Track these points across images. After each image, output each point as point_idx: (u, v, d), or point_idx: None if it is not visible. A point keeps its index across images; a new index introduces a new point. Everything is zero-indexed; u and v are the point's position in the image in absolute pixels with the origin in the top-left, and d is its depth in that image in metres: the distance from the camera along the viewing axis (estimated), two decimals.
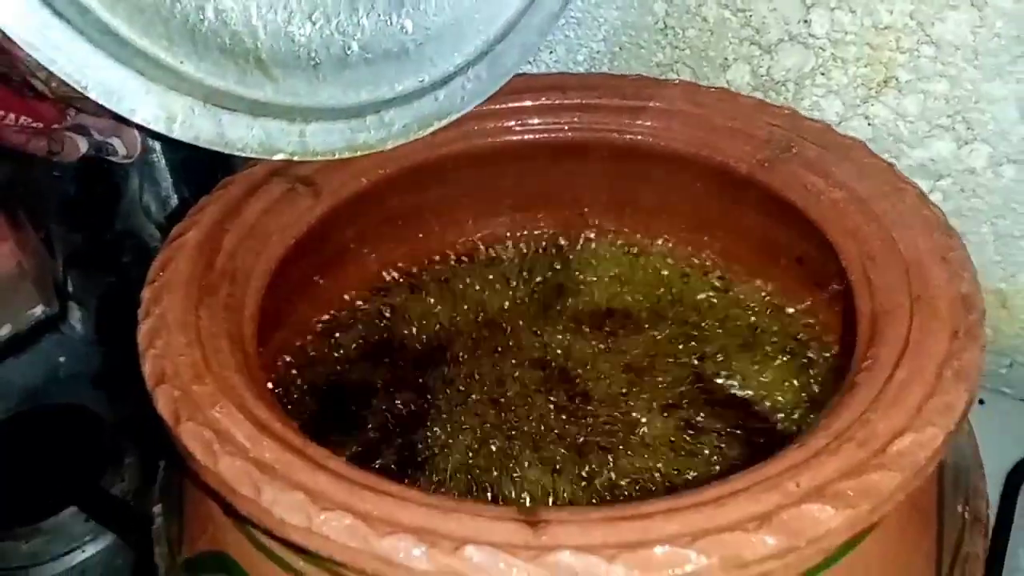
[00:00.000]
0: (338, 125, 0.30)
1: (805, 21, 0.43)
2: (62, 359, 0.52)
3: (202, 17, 0.26)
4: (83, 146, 0.34)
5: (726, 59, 0.47)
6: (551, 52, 0.52)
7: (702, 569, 0.17)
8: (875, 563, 0.22)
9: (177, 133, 0.27)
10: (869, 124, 0.45)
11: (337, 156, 0.30)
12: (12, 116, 0.29)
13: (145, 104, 0.26)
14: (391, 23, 0.30)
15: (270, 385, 0.26)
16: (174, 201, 0.49)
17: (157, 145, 0.45)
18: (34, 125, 0.31)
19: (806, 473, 0.19)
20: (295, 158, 0.30)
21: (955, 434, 0.20)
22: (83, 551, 0.42)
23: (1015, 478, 0.41)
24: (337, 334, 0.34)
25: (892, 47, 0.42)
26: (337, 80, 0.29)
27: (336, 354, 0.33)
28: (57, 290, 0.52)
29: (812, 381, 0.30)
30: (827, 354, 0.31)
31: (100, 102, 0.25)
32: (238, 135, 0.28)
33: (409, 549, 0.18)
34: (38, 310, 0.54)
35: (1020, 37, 0.39)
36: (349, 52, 0.29)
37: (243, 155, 0.29)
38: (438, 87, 0.32)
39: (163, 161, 0.46)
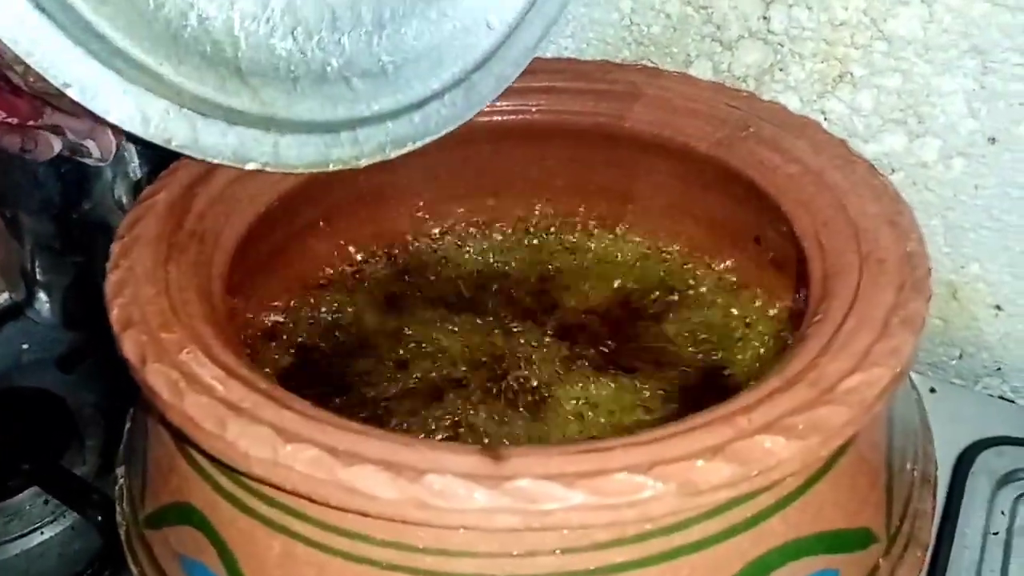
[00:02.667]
0: (312, 139, 0.30)
1: (764, 18, 0.45)
2: (25, 345, 0.52)
3: (185, 23, 0.26)
4: (57, 145, 0.34)
5: (688, 55, 0.48)
6: None
7: (658, 495, 0.18)
8: (827, 510, 0.22)
9: (151, 135, 0.27)
10: (825, 119, 0.46)
11: (309, 170, 0.31)
12: None
13: (121, 104, 0.26)
14: (371, 44, 0.30)
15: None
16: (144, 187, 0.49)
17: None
18: (8, 120, 0.31)
19: (758, 411, 0.20)
20: (267, 169, 0.30)
21: (902, 376, 0.21)
22: (41, 533, 0.42)
23: (964, 462, 0.43)
24: (303, 307, 0.35)
25: (847, 43, 0.44)
26: (315, 95, 0.29)
27: (301, 324, 0.34)
28: (24, 276, 0.51)
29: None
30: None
31: (76, 99, 0.25)
32: (212, 141, 0.28)
33: (373, 478, 0.18)
34: (2, 297, 0.54)
35: (967, 33, 0.40)
36: (328, 68, 0.29)
37: (215, 162, 0.29)
38: (414, 109, 0.32)
39: (135, 155, 0.46)
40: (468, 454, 0.19)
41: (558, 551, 0.20)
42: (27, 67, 0.24)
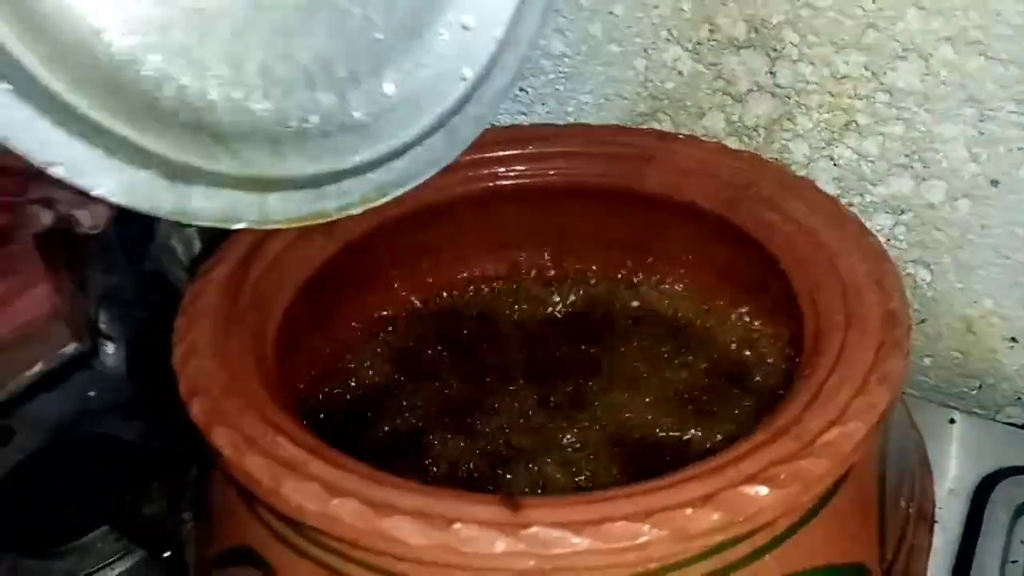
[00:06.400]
0: (297, 195, 0.30)
1: (771, 73, 0.48)
2: (92, 393, 0.56)
3: (161, 94, 0.26)
4: (46, 219, 0.34)
5: (701, 108, 0.51)
6: (543, 104, 0.56)
7: (655, 539, 0.20)
8: (820, 546, 0.25)
9: (138, 206, 0.27)
10: (835, 164, 0.48)
11: (296, 224, 0.31)
12: None
13: (106, 179, 0.26)
14: (348, 99, 0.30)
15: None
16: (198, 245, 0.53)
17: None
18: None
19: (746, 462, 0.22)
20: (255, 227, 0.30)
21: (878, 428, 0.23)
22: (112, 569, 0.45)
23: (982, 490, 0.44)
24: (350, 357, 0.38)
25: (851, 94, 0.46)
26: (297, 152, 0.29)
27: (350, 375, 0.37)
28: (89, 327, 0.55)
29: None
30: None
31: (62, 178, 0.25)
32: (199, 206, 0.28)
33: (407, 527, 0.21)
34: (71, 348, 0.58)
35: (963, 84, 0.43)
36: (308, 126, 0.29)
37: (203, 225, 0.29)
38: (395, 157, 0.32)
39: None
40: (489, 504, 0.22)
41: None
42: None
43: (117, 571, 0.45)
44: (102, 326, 0.56)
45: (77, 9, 0.24)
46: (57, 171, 0.25)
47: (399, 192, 0.33)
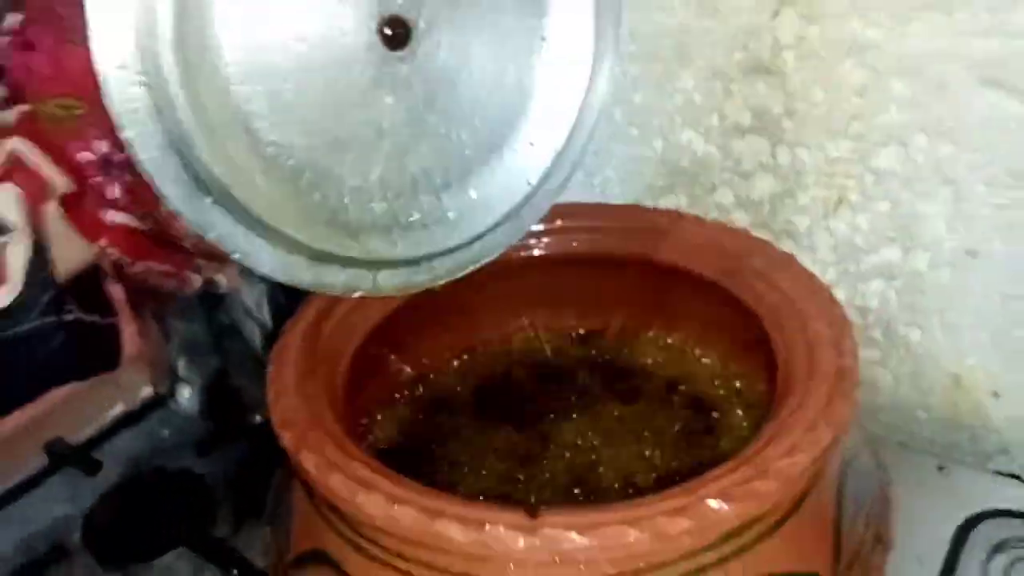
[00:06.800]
0: (400, 271, 0.39)
1: (772, 155, 0.54)
2: (165, 431, 0.63)
3: (310, 201, 0.34)
4: (197, 283, 0.44)
5: (712, 184, 0.57)
6: (573, 178, 0.63)
7: (639, 539, 0.27)
8: (780, 556, 0.30)
9: (286, 280, 0.35)
10: (831, 236, 0.55)
11: (399, 293, 0.39)
12: (155, 264, 0.39)
13: (268, 262, 0.34)
14: (441, 200, 0.39)
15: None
16: (266, 301, 0.60)
17: None
18: (169, 270, 0.40)
19: (714, 484, 0.28)
20: (368, 295, 0.38)
21: (824, 459, 0.29)
22: None
23: (964, 530, 0.49)
24: (405, 396, 0.45)
25: (842, 175, 0.52)
26: (403, 240, 0.38)
27: (405, 411, 0.44)
28: (169, 372, 0.63)
29: None
30: None
31: (239, 261, 0.34)
32: (330, 280, 0.36)
33: (452, 528, 0.28)
34: (149, 391, 0.65)
35: (938, 168, 0.49)
36: (412, 220, 0.38)
37: (331, 294, 0.37)
38: (474, 241, 0.41)
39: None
40: (514, 512, 0.28)
41: None
42: (199, 237, 0.33)
43: None
44: (180, 372, 0.64)
45: (269, 150, 0.33)
46: (236, 256, 0.34)
47: (474, 268, 0.42)
